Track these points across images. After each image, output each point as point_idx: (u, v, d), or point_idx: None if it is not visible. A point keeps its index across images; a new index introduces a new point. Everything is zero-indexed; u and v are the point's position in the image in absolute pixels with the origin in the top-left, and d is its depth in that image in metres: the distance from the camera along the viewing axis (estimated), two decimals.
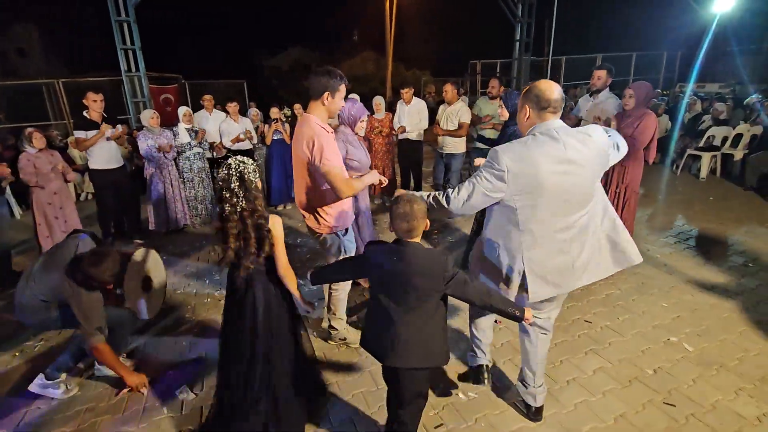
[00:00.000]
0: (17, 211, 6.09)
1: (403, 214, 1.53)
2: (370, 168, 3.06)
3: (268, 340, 1.88)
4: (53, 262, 2.23)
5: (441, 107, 5.14)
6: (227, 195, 1.75)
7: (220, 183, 1.77)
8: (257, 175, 1.81)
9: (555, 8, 11.46)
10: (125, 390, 2.36)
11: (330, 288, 2.65)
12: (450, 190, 1.76)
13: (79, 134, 4.31)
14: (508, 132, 2.99)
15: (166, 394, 2.35)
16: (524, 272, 1.70)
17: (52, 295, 2.20)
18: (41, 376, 2.39)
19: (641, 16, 18.83)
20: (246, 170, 1.77)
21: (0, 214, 3.87)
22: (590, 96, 3.91)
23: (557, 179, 1.61)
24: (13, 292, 3.71)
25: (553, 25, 11.74)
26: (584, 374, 2.37)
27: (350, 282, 2.75)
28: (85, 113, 4.34)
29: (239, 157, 1.80)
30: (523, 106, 1.75)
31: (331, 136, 2.26)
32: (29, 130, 4.05)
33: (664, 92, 12.83)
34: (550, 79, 11.59)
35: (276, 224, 1.87)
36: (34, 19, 25.59)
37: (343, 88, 2.23)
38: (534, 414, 2.06)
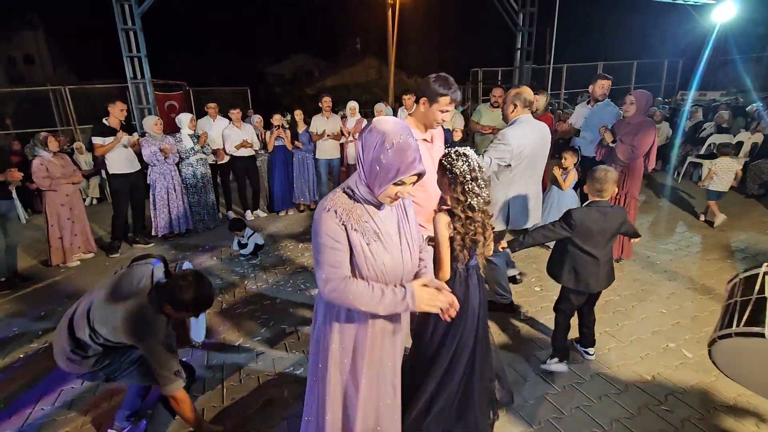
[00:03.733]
0: (23, 215, 6.16)
1: (598, 178, 2.19)
2: None
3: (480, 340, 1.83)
4: (120, 294, 1.79)
5: None
6: (471, 186, 1.64)
7: (462, 172, 1.63)
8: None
9: (556, 17, 11.56)
10: None
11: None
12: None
13: (97, 140, 4.39)
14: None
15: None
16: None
17: (116, 336, 1.75)
18: None
19: (642, 24, 18.98)
20: (479, 161, 1.69)
21: (11, 216, 3.93)
22: (587, 104, 3.96)
23: (535, 148, 2.71)
24: (16, 295, 3.77)
25: (554, 34, 11.85)
26: (582, 379, 2.38)
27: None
28: (104, 120, 4.43)
29: (462, 148, 1.70)
30: (514, 103, 2.71)
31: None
32: (43, 134, 4.16)
33: (666, 100, 12.88)
34: (552, 86, 11.63)
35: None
36: (42, 26, 26.01)
37: (444, 101, 1.96)
38: None
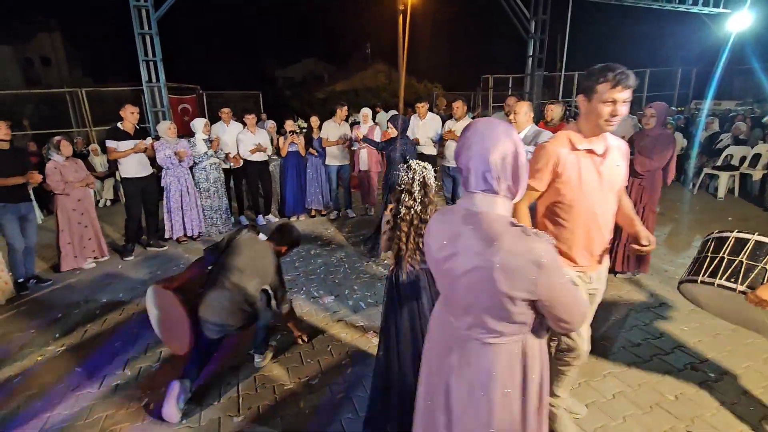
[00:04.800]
0: (39, 215, 6.24)
1: None
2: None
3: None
4: (241, 254, 2.50)
5: (448, 123, 5.20)
6: (406, 197, 1.83)
7: (403, 185, 1.84)
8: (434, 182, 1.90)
9: (568, 25, 11.53)
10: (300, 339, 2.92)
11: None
12: None
13: (111, 143, 4.43)
14: (398, 143, 4.54)
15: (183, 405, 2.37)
16: None
17: (264, 279, 2.54)
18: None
19: (655, 32, 18.85)
20: (428, 176, 1.84)
21: (30, 218, 3.97)
22: None
23: None
24: (33, 297, 3.81)
25: (566, 41, 11.81)
26: (603, 398, 2.34)
27: None
28: (119, 124, 4.47)
29: (422, 163, 1.86)
30: (528, 113, 3.39)
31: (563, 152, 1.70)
32: (57, 138, 4.19)
33: (679, 109, 12.74)
34: (563, 94, 11.59)
35: None
36: (59, 29, 26.50)
37: (605, 88, 1.54)
38: None
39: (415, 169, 1.84)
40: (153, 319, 2.59)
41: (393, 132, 4.68)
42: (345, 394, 2.40)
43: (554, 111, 4.56)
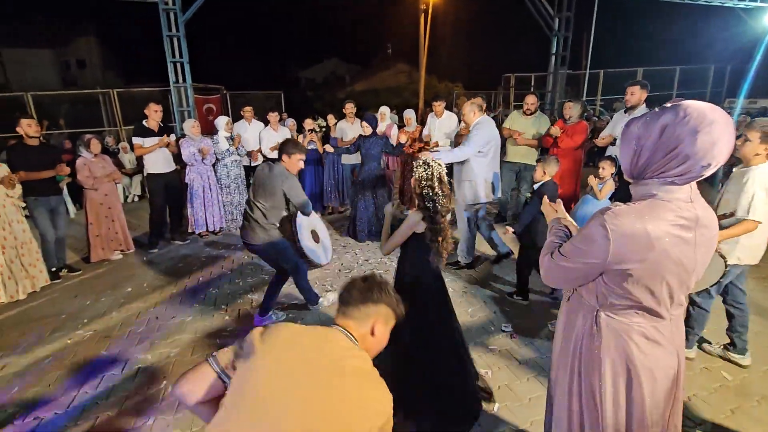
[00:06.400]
0: (72, 209, 6.57)
1: None
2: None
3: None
4: (268, 174, 2.95)
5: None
6: (430, 193, 1.95)
7: (423, 181, 1.96)
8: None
9: (594, 21, 11.26)
10: None
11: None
12: None
13: (137, 141, 4.64)
14: (366, 143, 4.84)
15: None
16: None
17: (274, 194, 2.92)
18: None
19: (686, 28, 18.14)
20: (442, 172, 1.99)
21: (60, 211, 4.21)
22: (625, 112, 3.84)
23: (497, 139, 3.82)
24: (65, 285, 4.03)
25: (591, 39, 11.53)
26: None
27: None
28: (144, 122, 4.68)
29: (432, 157, 2.01)
30: (473, 111, 3.68)
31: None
32: (88, 136, 4.41)
33: None
34: (587, 93, 11.27)
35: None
36: (95, 33, 27.71)
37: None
38: None
39: (432, 165, 1.95)
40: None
41: (368, 130, 4.83)
42: None
43: (572, 109, 4.49)
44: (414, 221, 2.00)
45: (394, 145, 5.14)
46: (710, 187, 6.88)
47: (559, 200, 1.56)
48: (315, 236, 3.40)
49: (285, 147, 3.00)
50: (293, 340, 1.09)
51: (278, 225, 3.08)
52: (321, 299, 3.39)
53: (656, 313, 1.19)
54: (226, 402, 1.04)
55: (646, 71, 12.70)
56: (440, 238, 1.98)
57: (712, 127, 1.03)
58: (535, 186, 3.30)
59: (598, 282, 1.21)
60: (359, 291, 1.22)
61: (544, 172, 3.31)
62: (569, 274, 1.23)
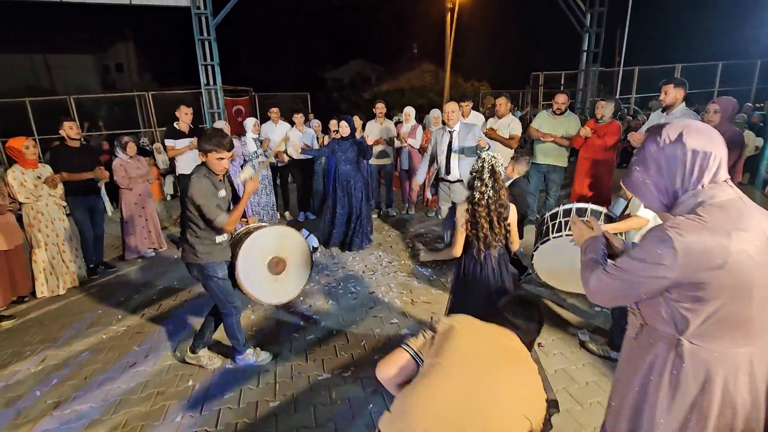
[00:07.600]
0: (109, 208, 6.88)
1: None
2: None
3: None
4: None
5: (491, 120, 5.08)
6: (478, 184, 2.06)
7: (474, 173, 2.08)
8: (504, 170, 2.14)
9: (628, 16, 10.81)
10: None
11: None
12: None
13: (169, 143, 4.81)
14: (343, 145, 4.64)
15: (226, 386, 2.53)
16: None
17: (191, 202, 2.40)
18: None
19: (728, 21, 17.16)
20: (497, 164, 2.06)
21: (98, 210, 4.41)
22: (663, 112, 3.64)
23: None
24: (101, 281, 4.21)
25: (626, 35, 11.08)
26: None
27: None
28: (175, 124, 4.84)
29: (491, 152, 2.09)
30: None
31: None
32: (125, 139, 4.60)
33: (758, 105, 11.53)
34: (621, 91, 10.81)
35: (512, 212, 2.21)
36: (132, 38, 28.95)
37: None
38: None
39: (484, 158, 2.05)
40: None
41: (346, 131, 4.58)
42: (375, 387, 2.44)
43: (605, 108, 4.32)
44: (459, 213, 2.12)
45: (368, 145, 4.69)
46: (753, 188, 6.49)
47: (593, 218, 1.54)
48: (277, 266, 2.85)
49: (199, 143, 2.31)
50: (482, 327, 1.41)
51: (220, 242, 2.52)
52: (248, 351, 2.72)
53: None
54: (428, 368, 1.29)
55: (684, 68, 12.10)
56: (475, 230, 2.07)
57: (690, 124, 1.10)
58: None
59: (670, 304, 1.08)
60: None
61: (514, 170, 3.46)
62: (627, 290, 1.12)
